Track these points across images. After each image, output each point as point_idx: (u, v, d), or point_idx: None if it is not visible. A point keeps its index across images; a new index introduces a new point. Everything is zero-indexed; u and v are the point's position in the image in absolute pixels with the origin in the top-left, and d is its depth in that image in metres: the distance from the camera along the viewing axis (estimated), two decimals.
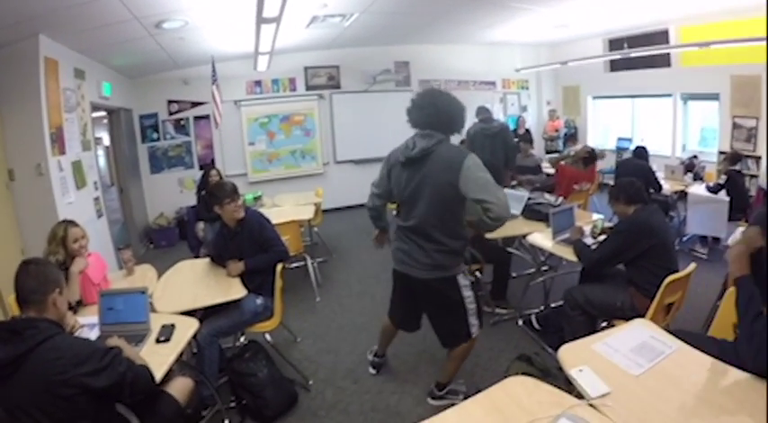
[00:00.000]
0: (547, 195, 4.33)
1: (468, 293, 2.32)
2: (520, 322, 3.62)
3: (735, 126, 6.23)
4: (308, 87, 7.72)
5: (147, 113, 6.92)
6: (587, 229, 3.31)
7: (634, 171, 5.06)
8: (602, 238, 3.17)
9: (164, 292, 2.61)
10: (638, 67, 7.53)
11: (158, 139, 7.03)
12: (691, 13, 6.05)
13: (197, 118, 7.15)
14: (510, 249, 4.09)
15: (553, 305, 3.76)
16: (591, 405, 1.40)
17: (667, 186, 5.34)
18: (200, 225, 4.71)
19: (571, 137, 7.27)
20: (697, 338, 1.84)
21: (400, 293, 2.56)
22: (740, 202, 4.75)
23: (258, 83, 7.41)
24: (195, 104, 7.11)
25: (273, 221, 3.37)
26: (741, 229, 3.55)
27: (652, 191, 5.08)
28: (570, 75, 8.87)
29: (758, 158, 5.94)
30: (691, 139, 7.32)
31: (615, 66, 8.09)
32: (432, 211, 2.15)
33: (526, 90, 9.42)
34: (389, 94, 8.05)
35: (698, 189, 5.19)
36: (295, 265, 4.68)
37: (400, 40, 7.53)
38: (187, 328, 2.10)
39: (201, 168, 6.34)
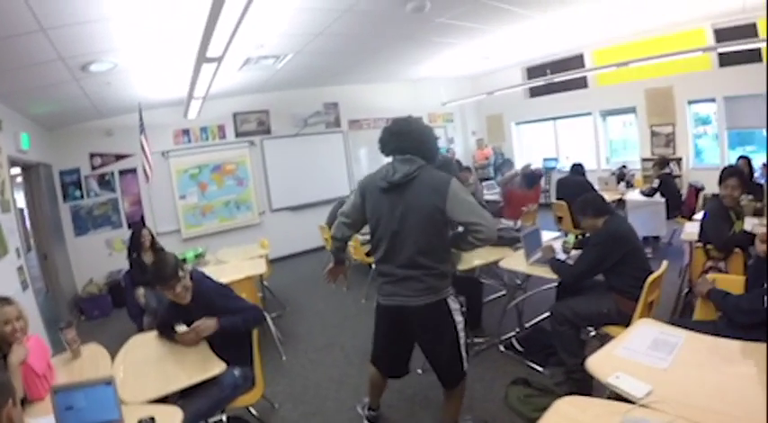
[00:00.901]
0: (504, 220, 4.38)
1: (459, 318, 2.22)
2: (501, 348, 3.53)
3: (653, 134, 6.93)
4: (238, 134, 7.44)
5: (67, 169, 6.28)
6: (557, 246, 3.35)
7: (574, 187, 5.38)
8: (574, 253, 3.23)
9: (126, 377, 2.17)
10: (556, 91, 8.10)
11: (82, 197, 6.36)
12: (602, 37, 6.64)
13: (123, 172, 6.58)
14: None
15: (528, 325, 3.76)
16: (642, 405, 1.46)
17: (605, 196, 5.58)
18: (141, 290, 4.20)
19: (506, 162, 7.60)
20: (693, 325, 2.14)
21: (389, 332, 2.34)
22: (675, 202, 5.22)
23: (186, 132, 7.01)
24: (120, 157, 6.56)
25: (226, 280, 3.11)
26: (689, 224, 3.83)
27: None
28: (493, 104, 9.36)
29: (679, 160, 6.59)
30: (612, 151, 7.95)
31: (535, 92, 8.65)
32: (422, 237, 2.07)
33: (451, 122, 9.80)
34: (320, 136, 8.00)
35: (633, 195, 5.57)
36: None
37: (329, 82, 7.56)
38: (171, 420, 1.73)
39: (130, 227, 5.78)
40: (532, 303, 3.89)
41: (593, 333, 3.13)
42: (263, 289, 4.72)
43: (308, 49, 5.10)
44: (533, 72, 8.28)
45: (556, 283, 3.19)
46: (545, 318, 3.83)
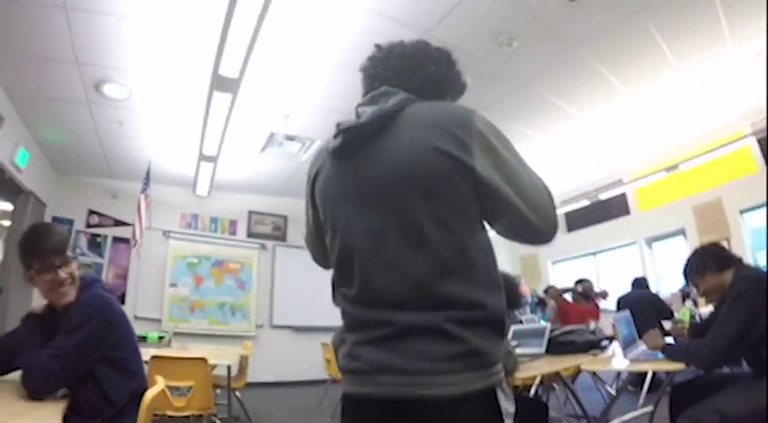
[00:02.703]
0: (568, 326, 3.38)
1: None
2: None
3: None
4: (250, 234, 6.91)
5: (61, 217, 5.81)
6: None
7: (640, 301, 4.53)
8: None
9: None
10: (596, 221, 7.59)
11: None
12: (640, 158, 6.38)
13: (117, 240, 6.01)
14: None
15: None
16: None
17: (677, 315, 4.73)
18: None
19: (550, 288, 6.76)
20: None
21: None
22: None
23: (195, 217, 6.52)
24: (119, 223, 6.04)
25: (172, 355, 2.69)
26: None
27: (664, 320, 4.36)
28: None
29: None
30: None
31: (572, 224, 8.12)
32: (431, 231, 0.92)
33: None
34: None
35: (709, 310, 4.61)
36: None
37: None
38: None
39: None
40: None
41: None
42: (229, 398, 3.48)
43: None
44: (569, 204, 7.88)
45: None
46: None
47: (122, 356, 1.51)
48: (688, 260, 2.26)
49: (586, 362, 2.41)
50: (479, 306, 0.90)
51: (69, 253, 1.51)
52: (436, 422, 0.87)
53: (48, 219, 5.72)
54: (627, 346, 2.36)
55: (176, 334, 5.64)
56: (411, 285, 0.91)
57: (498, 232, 1.00)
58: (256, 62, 3.08)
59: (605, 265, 7.94)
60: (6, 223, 5.01)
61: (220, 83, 3.08)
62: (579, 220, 7.81)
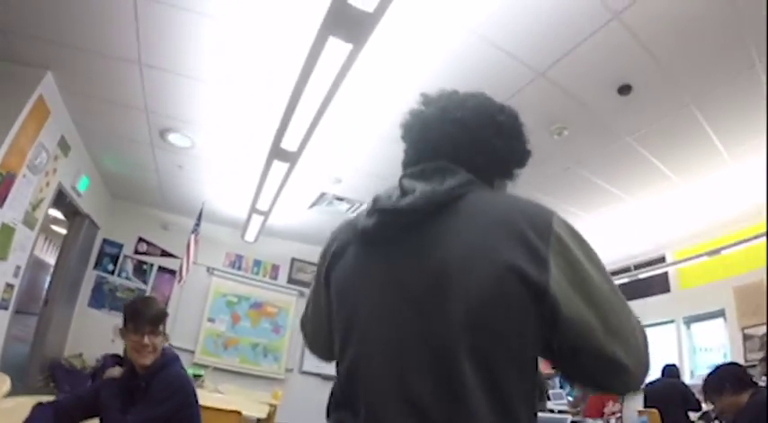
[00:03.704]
0: (590, 420, 3.42)
1: None
2: None
3: (746, 337, 5.90)
4: (291, 280, 7.15)
5: (112, 240, 6.24)
6: None
7: (669, 391, 4.50)
8: None
9: None
10: (635, 296, 7.39)
11: (113, 273, 6.17)
12: (685, 234, 6.29)
13: (162, 269, 6.37)
14: None
15: None
16: None
17: (705, 406, 4.60)
18: (116, 370, 3.49)
19: None
20: None
21: None
22: None
23: (239, 258, 6.87)
24: (165, 254, 6.43)
25: (208, 404, 2.66)
26: None
27: (692, 411, 4.47)
28: None
29: None
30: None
31: None
32: (470, 363, 0.67)
33: None
34: None
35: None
36: None
37: None
38: None
39: None
40: None
41: None
42: None
43: None
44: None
45: None
46: None
47: None
48: (708, 376, 2.38)
49: None
50: None
51: (161, 328, 1.78)
52: None
53: (98, 240, 6.08)
54: None
55: (208, 367, 5.93)
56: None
57: (563, 373, 0.77)
58: (315, 133, 3.24)
59: None
60: (61, 232, 5.48)
61: (280, 153, 3.31)
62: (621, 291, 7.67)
